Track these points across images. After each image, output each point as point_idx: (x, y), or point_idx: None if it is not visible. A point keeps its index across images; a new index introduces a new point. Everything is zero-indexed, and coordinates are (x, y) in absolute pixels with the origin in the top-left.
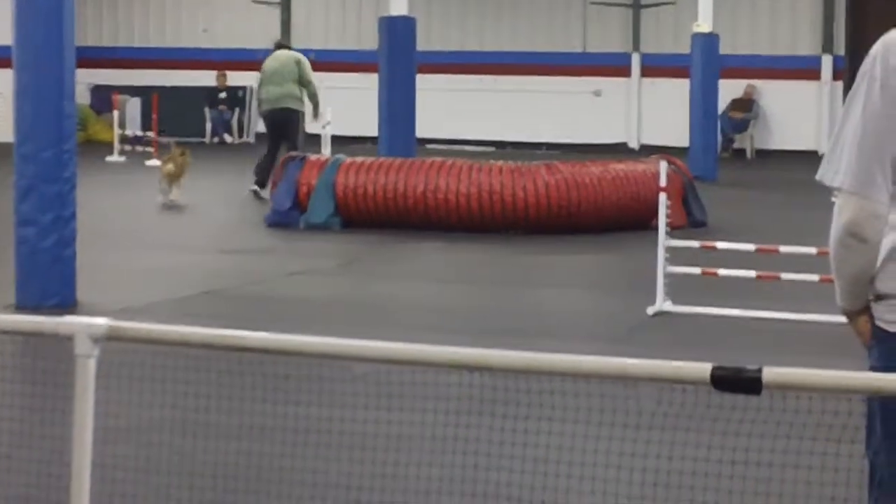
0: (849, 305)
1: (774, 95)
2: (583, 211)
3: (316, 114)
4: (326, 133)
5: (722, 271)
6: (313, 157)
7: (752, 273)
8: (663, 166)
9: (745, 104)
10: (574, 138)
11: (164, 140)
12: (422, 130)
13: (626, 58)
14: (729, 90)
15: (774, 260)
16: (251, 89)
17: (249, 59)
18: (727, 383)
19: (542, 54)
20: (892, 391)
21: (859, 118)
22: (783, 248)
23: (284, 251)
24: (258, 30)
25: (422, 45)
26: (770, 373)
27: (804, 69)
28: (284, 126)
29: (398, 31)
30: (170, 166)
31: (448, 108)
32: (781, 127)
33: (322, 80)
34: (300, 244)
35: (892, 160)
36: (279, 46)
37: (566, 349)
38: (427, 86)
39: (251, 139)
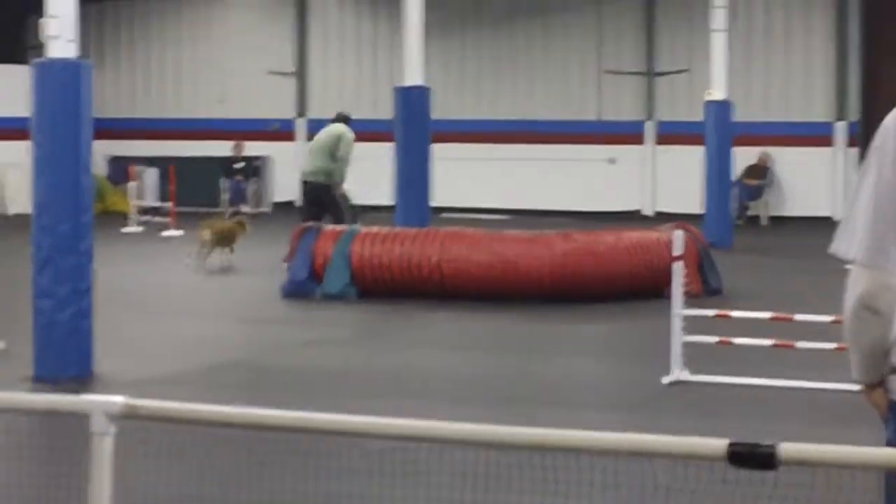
0: (864, 378)
1: (788, 162)
2: (598, 279)
3: (336, 186)
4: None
5: (737, 340)
6: (328, 227)
7: (767, 342)
8: (678, 235)
9: (760, 171)
10: (589, 206)
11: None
12: (437, 199)
13: (640, 125)
14: (743, 157)
15: (790, 328)
16: (268, 159)
17: (265, 129)
18: (743, 459)
19: (556, 122)
20: None
21: (871, 191)
22: (798, 317)
23: (301, 321)
24: (274, 100)
25: (437, 113)
26: (785, 448)
27: (818, 136)
28: (318, 200)
29: (413, 100)
30: (205, 231)
31: (463, 177)
32: (795, 193)
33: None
34: (316, 314)
35: None
36: (337, 118)
37: (582, 419)
38: (442, 154)
39: (268, 209)
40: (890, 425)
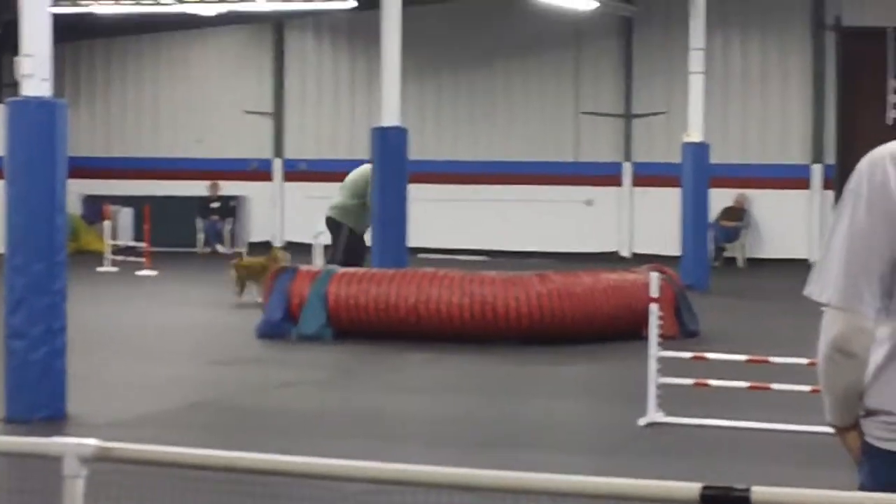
0: (838, 421)
1: (765, 204)
2: (575, 321)
3: (361, 228)
4: (318, 243)
5: (714, 382)
6: (305, 268)
7: (743, 384)
8: (654, 277)
9: (736, 213)
10: (566, 247)
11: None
12: (414, 240)
13: (617, 167)
14: (720, 199)
15: (766, 370)
16: (244, 199)
17: (241, 169)
18: (716, 503)
19: (534, 163)
20: None
21: (845, 234)
22: (774, 359)
23: (276, 362)
24: (251, 139)
25: (414, 154)
26: (759, 492)
27: (794, 178)
28: (331, 234)
29: (390, 141)
30: (231, 271)
31: (440, 218)
32: (772, 235)
33: (313, 190)
34: (292, 355)
35: (878, 276)
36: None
37: (557, 461)
38: (419, 195)
39: (244, 249)
40: (863, 469)
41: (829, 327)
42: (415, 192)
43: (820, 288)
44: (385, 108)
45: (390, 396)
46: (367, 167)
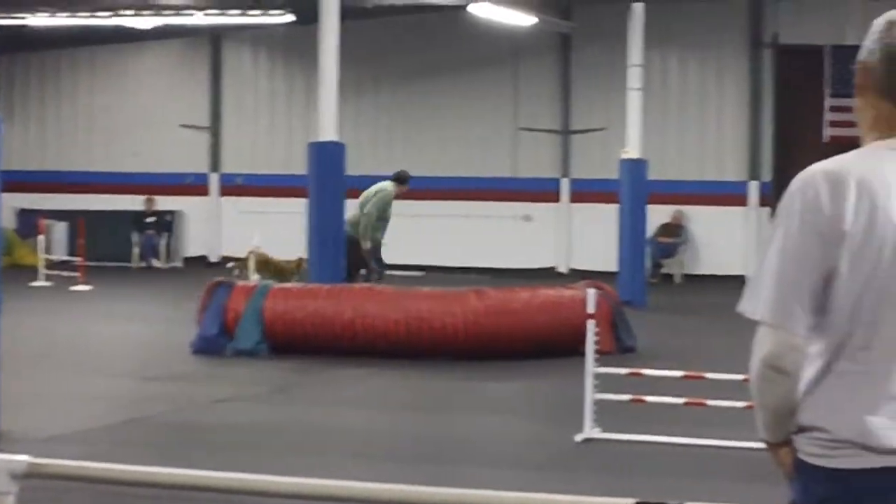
0: (770, 437)
1: (702, 220)
2: (512, 336)
3: (362, 243)
4: (254, 256)
5: (650, 398)
6: (241, 283)
7: (679, 399)
8: (591, 293)
9: (674, 229)
10: (504, 263)
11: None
12: None
13: (555, 183)
14: (657, 215)
15: (702, 386)
16: (180, 213)
17: (178, 183)
18: None
19: (472, 179)
20: None
21: (778, 252)
22: (710, 375)
23: (211, 378)
24: (186, 154)
25: (351, 169)
26: None
27: (731, 195)
28: (348, 251)
29: (327, 156)
30: (250, 256)
31: None
32: (709, 252)
33: (249, 205)
34: (227, 370)
35: (810, 293)
36: (394, 176)
37: (493, 477)
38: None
39: (180, 263)
40: (795, 485)
41: (762, 344)
42: (352, 207)
43: (753, 305)
44: (322, 123)
45: (326, 411)
46: (383, 182)
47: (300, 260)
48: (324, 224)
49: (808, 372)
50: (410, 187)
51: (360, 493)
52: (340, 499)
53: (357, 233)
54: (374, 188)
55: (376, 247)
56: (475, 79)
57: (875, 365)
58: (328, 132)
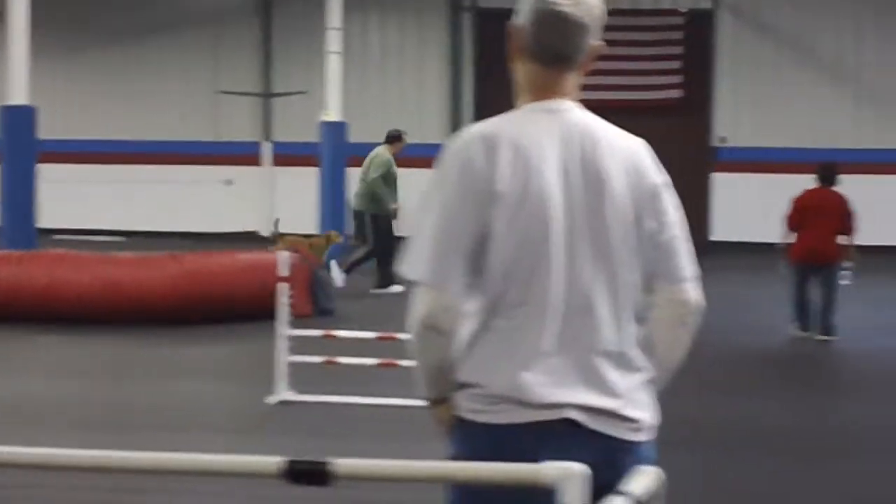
0: (430, 394)
1: (405, 183)
2: (210, 301)
3: (382, 207)
4: None
5: (343, 359)
6: None
7: (373, 360)
8: (283, 257)
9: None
10: (207, 227)
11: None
12: (48, 221)
13: (256, 147)
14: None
15: (395, 347)
16: None
17: None
18: (298, 476)
19: (172, 143)
20: (461, 479)
21: (434, 213)
22: (402, 336)
23: None
24: None
25: (45, 133)
26: (339, 465)
27: (431, 157)
28: (360, 229)
29: (18, 120)
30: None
31: (75, 198)
32: (411, 214)
33: None
34: None
35: (465, 254)
36: (386, 138)
37: (184, 441)
38: (52, 176)
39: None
40: (454, 440)
41: (419, 304)
42: (47, 172)
43: (410, 266)
44: (12, 86)
45: (15, 380)
46: (376, 149)
47: (329, 235)
48: (15, 189)
49: (466, 330)
50: (109, 151)
51: (37, 459)
52: (33, 466)
53: (364, 206)
54: (369, 156)
55: (387, 215)
56: (175, 41)
57: (528, 322)
58: (19, 95)
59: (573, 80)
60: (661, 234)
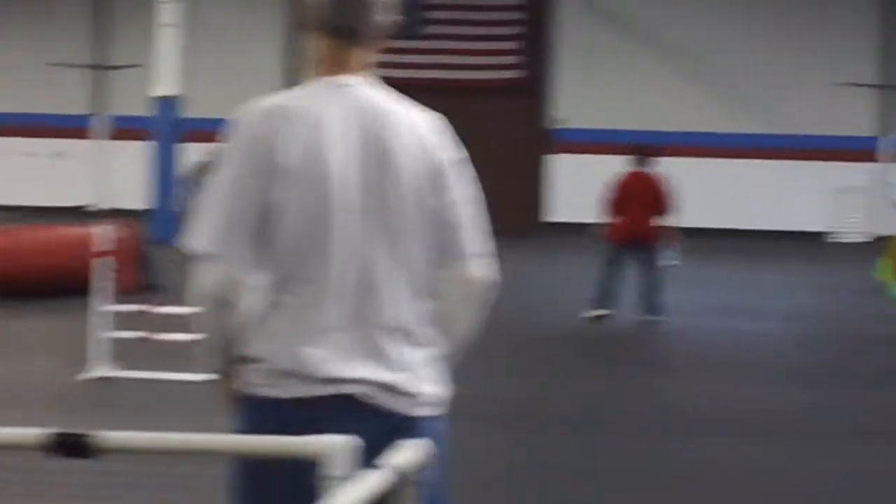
0: (215, 368)
1: None
2: (32, 276)
3: None
4: None
5: (162, 335)
6: None
7: (191, 336)
8: (101, 231)
9: (212, 168)
10: (36, 201)
11: None
12: None
13: (88, 120)
14: (199, 154)
15: None
16: None
17: None
18: (61, 449)
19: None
20: (226, 453)
21: (220, 186)
22: None
23: None
24: None
25: None
26: (100, 437)
27: None
28: None
29: None
30: None
31: None
32: None
33: None
34: None
35: (251, 227)
36: None
37: None
38: None
39: None
40: (239, 414)
41: (203, 277)
42: None
43: (195, 237)
44: None
45: None
46: None
47: None
48: None
49: (253, 304)
50: None
51: None
52: None
53: None
54: None
55: None
56: (4, 11)
57: (315, 298)
58: None
59: (363, 55)
60: (447, 211)
